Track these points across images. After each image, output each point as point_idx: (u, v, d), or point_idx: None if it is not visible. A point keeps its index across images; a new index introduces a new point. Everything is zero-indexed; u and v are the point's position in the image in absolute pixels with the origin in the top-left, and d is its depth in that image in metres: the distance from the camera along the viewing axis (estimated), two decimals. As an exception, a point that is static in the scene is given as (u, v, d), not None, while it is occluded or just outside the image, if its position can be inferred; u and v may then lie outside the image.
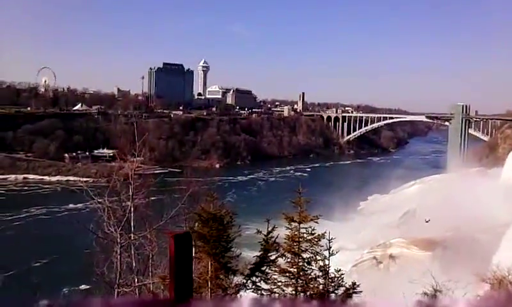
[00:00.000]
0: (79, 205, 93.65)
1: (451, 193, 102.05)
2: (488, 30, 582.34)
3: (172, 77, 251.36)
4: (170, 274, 5.35)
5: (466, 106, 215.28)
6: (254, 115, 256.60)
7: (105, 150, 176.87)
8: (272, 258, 16.76)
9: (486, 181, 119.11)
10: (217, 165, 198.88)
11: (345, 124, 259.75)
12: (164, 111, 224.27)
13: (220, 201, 17.03)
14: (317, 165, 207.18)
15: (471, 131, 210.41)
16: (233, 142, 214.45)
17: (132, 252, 14.15)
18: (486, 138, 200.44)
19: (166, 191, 25.27)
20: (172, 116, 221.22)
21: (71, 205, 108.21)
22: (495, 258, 50.70)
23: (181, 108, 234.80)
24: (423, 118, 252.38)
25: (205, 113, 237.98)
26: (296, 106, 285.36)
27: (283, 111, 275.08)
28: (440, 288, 16.51)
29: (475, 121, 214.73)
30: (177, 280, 5.36)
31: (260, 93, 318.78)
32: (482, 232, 70.12)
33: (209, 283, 14.64)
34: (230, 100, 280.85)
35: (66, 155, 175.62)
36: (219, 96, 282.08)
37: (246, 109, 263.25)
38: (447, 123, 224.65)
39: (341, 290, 16.70)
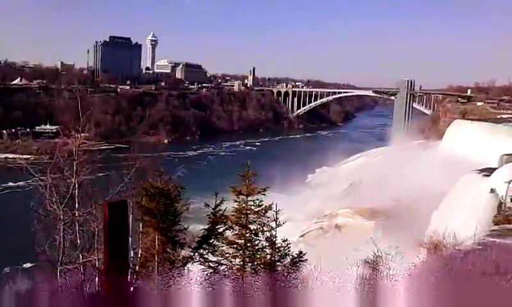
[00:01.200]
0: (20, 183, 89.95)
1: (394, 165, 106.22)
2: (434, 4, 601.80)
3: (119, 51, 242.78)
4: (104, 244, 5.31)
5: (411, 81, 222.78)
6: (204, 90, 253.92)
7: (47, 126, 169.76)
8: (220, 230, 16.99)
9: (427, 153, 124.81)
10: (166, 141, 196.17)
11: (295, 99, 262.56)
12: (111, 86, 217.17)
13: (168, 176, 16.93)
14: (266, 139, 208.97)
15: (415, 105, 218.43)
16: (182, 117, 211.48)
17: (77, 228, 13.86)
18: (428, 112, 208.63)
19: (113, 167, 24.68)
20: (119, 90, 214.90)
21: (10, 183, 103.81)
22: (432, 225, 53.78)
23: (128, 83, 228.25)
24: (370, 93, 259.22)
25: (153, 88, 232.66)
26: (246, 81, 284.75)
27: (233, 86, 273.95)
28: (380, 254, 17.30)
29: (419, 95, 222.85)
30: (111, 250, 5.34)
31: (211, 68, 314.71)
32: (421, 201, 73.51)
33: (156, 257, 14.66)
34: (179, 74, 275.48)
35: (4, 131, 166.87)
36: (168, 71, 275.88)
37: (196, 84, 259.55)
38: (392, 98, 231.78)
39: (287, 259, 17.20)
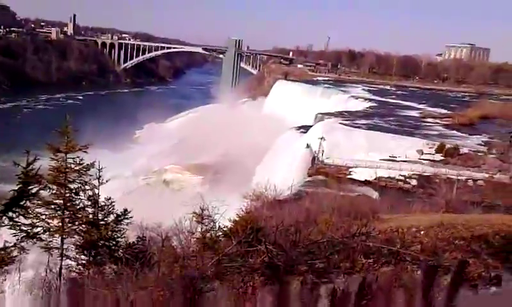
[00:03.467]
0: None
1: (222, 122, 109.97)
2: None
3: None
4: None
5: (239, 41, 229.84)
6: (13, 35, 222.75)
7: None
8: (34, 191, 15.25)
9: (252, 111, 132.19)
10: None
11: (122, 52, 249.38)
12: None
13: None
14: (91, 93, 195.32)
15: (242, 65, 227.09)
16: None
17: None
18: (254, 72, 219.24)
19: None
20: None
21: None
22: (255, 178, 57.57)
23: None
24: (200, 50, 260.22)
25: None
26: (66, 29, 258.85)
27: (50, 33, 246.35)
28: (207, 207, 17.58)
29: (247, 55, 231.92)
30: None
31: (21, 11, 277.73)
32: (246, 156, 77.89)
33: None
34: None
35: None
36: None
37: (3, 27, 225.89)
38: (221, 56, 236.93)
39: (111, 217, 16.45)
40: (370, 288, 6.09)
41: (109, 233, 16.10)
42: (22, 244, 14.77)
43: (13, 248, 14.35)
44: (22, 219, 14.92)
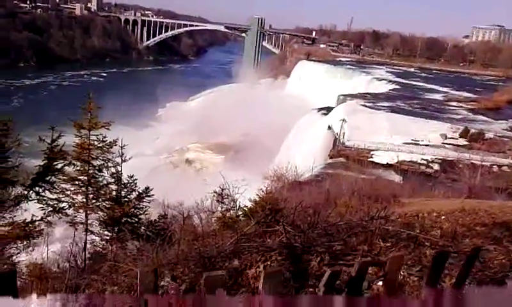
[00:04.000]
0: None
1: (244, 101, 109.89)
2: None
3: None
4: None
5: (261, 19, 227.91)
6: (39, 10, 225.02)
7: None
8: (59, 166, 15.65)
9: (274, 91, 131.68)
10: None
11: (145, 29, 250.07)
12: None
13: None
14: (114, 70, 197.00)
15: (264, 44, 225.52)
16: (13, 39, 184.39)
17: None
18: (277, 51, 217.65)
19: None
20: None
21: None
22: (277, 159, 57.62)
23: None
24: (222, 28, 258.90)
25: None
26: (89, 4, 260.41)
27: (74, 9, 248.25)
28: (227, 186, 17.76)
29: (269, 34, 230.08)
30: None
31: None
32: (267, 137, 77.93)
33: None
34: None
35: None
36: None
37: (29, 2, 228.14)
38: (243, 35, 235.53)
39: (134, 195, 16.77)
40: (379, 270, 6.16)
41: (132, 210, 16.44)
42: (49, 218, 15.24)
43: (40, 222, 14.82)
44: (48, 194, 15.38)
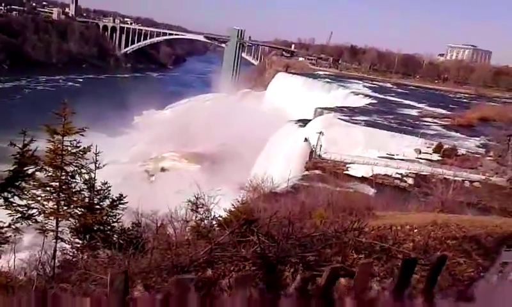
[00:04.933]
0: None
1: (222, 111, 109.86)
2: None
3: None
4: None
5: (241, 31, 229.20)
6: (14, 13, 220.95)
7: None
8: (30, 172, 15.25)
9: (252, 102, 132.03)
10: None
11: (123, 36, 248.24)
12: None
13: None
14: (91, 76, 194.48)
15: (244, 55, 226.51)
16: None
17: None
18: (256, 62, 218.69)
19: None
20: None
21: None
22: (253, 170, 57.65)
23: None
24: (202, 38, 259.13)
25: None
26: (67, 9, 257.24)
27: (52, 13, 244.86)
28: (202, 196, 17.61)
29: (248, 45, 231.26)
30: None
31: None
32: (245, 147, 77.90)
33: None
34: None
35: None
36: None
37: (3, 5, 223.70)
38: (223, 45, 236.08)
39: (107, 202, 16.47)
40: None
41: (104, 217, 16.13)
42: (17, 224, 14.79)
43: (7, 228, 14.38)
44: (17, 200, 14.95)
